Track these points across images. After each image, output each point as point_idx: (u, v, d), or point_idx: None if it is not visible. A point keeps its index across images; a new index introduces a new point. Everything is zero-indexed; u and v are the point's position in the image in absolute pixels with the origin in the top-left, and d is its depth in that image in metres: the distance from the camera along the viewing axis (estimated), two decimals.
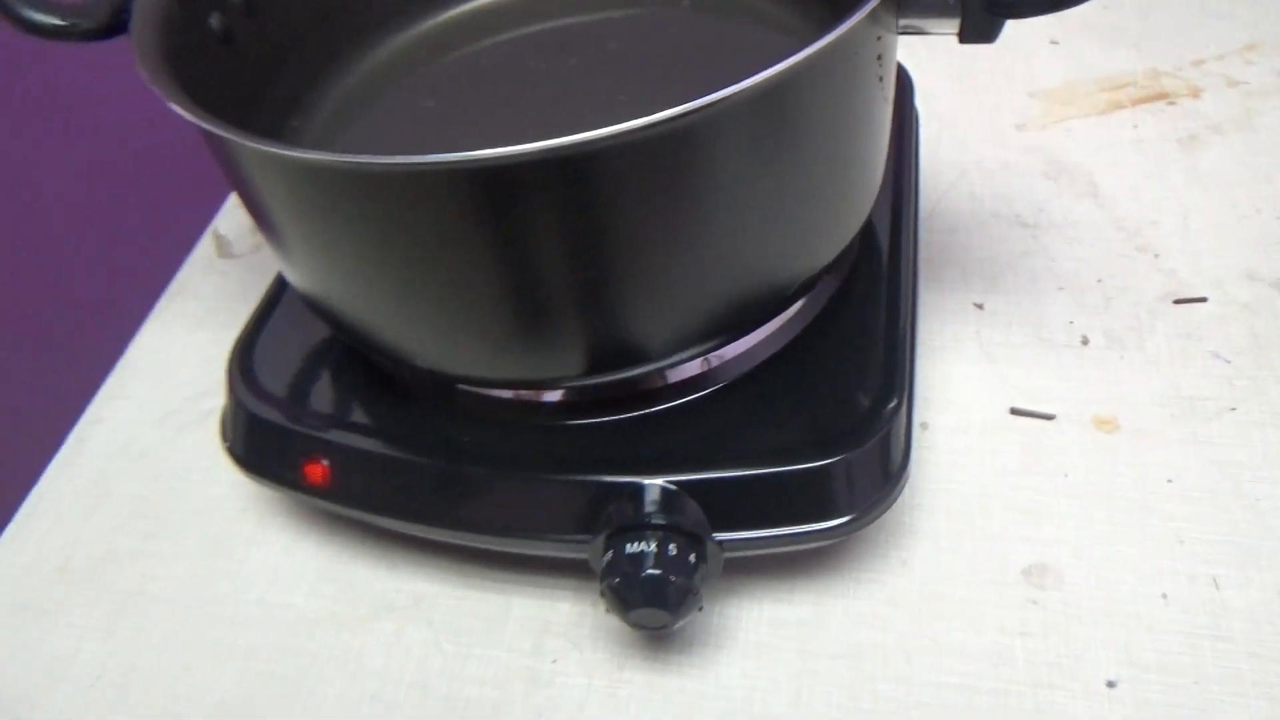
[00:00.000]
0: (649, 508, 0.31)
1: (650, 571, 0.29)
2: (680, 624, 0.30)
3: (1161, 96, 0.52)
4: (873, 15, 0.26)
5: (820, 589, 0.35)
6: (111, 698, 0.36)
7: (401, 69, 0.41)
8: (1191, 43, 0.55)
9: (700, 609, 0.31)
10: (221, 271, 0.53)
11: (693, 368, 0.35)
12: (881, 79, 0.30)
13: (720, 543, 0.31)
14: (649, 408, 0.34)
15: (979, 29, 0.29)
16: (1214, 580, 0.34)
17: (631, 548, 0.30)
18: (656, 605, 0.29)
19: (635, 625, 0.30)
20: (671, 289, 0.30)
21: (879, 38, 0.29)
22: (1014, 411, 0.39)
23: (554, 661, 0.35)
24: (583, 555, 0.33)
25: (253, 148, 0.27)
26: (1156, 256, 0.44)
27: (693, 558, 0.30)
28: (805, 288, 0.33)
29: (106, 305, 0.58)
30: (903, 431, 0.33)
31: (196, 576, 0.39)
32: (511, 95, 0.39)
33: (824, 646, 0.34)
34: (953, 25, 0.30)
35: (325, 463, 0.34)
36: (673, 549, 0.30)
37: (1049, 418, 0.39)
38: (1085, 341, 0.41)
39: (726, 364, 0.34)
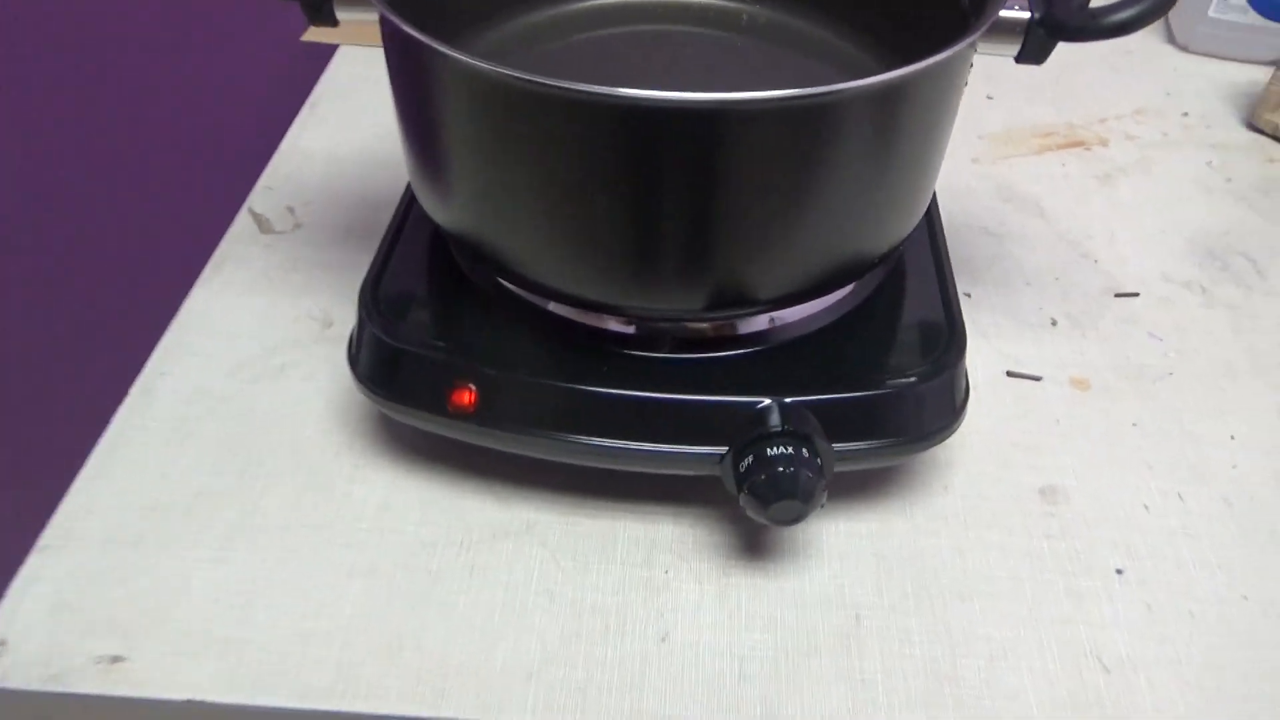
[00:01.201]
0: (782, 420, 0.37)
1: (789, 469, 0.35)
2: (809, 516, 0.36)
3: (1079, 144, 0.64)
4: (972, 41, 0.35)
5: (883, 509, 0.42)
6: (236, 616, 0.38)
7: (516, 50, 0.46)
8: (1095, 104, 0.68)
9: (824, 505, 0.37)
10: (266, 245, 0.54)
11: (795, 313, 0.41)
12: (965, 86, 0.38)
13: (835, 450, 0.37)
14: (755, 347, 0.40)
15: (1035, 52, 0.38)
16: (1179, 495, 0.43)
17: (772, 451, 0.36)
18: (795, 497, 0.35)
19: (773, 520, 0.36)
20: (784, 246, 0.36)
21: (971, 53, 0.37)
22: (1009, 374, 0.48)
23: (666, 572, 0.40)
24: (710, 472, 0.38)
25: (465, 61, 0.32)
26: (1096, 262, 0.55)
27: (819, 460, 0.36)
28: (886, 257, 0.40)
29: (142, 276, 0.58)
30: (964, 373, 0.40)
31: (302, 509, 0.41)
32: (618, 77, 0.45)
33: (893, 551, 0.41)
34: (1014, 49, 0.39)
35: (473, 388, 0.38)
36: (805, 452, 0.36)
37: (1036, 379, 0.48)
38: (1054, 323, 0.51)
39: (820, 313, 0.41)
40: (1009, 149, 0.63)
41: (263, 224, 0.56)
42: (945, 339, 0.40)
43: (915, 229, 0.42)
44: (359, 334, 0.41)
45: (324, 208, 0.57)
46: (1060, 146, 0.64)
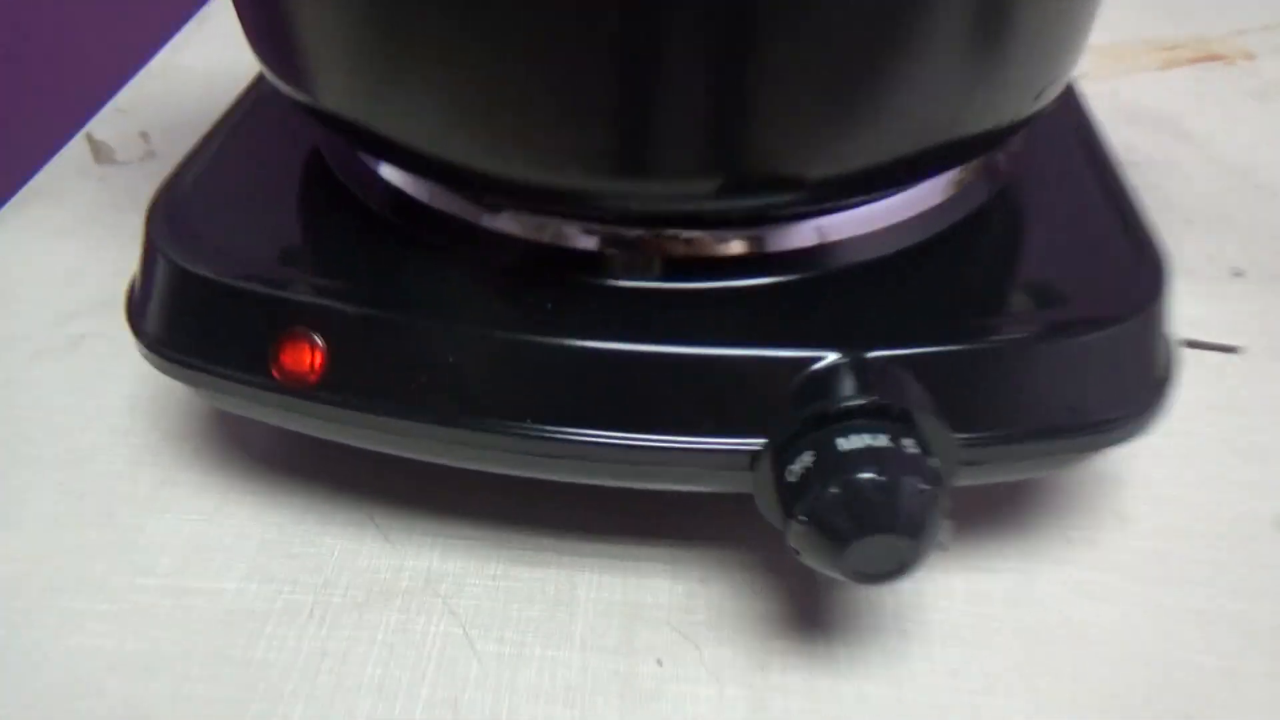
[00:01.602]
0: (860, 386, 0.20)
1: (881, 476, 0.19)
2: (918, 566, 0.19)
3: (1216, 58, 0.48)
4: None
5: (1021, 553, 0.25)
6: None
7: None
8: (1222, 16, 0.52)
9: (944, 546, 0.20)
10: (99, 178, 0.39)
11: (847, 226, 0.24)
12: None
13: (959, 440, 0.20)
14: (801, 273, 0.23)
15: None
16: None
17: (848, 442, 0.19)
18: (894, 529, 0.18)
19: (854, 573, 0.19)
20: (856, 84, 0.20)
21: None
22: (1189, 344, 0.32)
23: (660, 663, 0.23)
24: (733, 486, 0.21)
25: None
26: (1277, 195, 0.39)
27: (932, 458, 0.20)
28: (1011, 132, 0.24)
29: None
30: (1168, 317, 0.24)
31: (52, 558, 0.25)
32: None
33: (1047, 626, 0.24)
34: None
35: (320, 341, 0.22)
36: (908, 444, 0.19)
37: (1230, 349, 0.32)
38: (1238, 274, 0.35)
39: (905, 224, 0.25)
40: (1122, 64, 0.47)
41: (101, 152, 0.40)
42: (1132, 264, 0.24)
43: (1054, 107, 0.26)
44: (146, 266, 0.25)
45: (189, 134, 0.41)
46: (1191, 61, 0.48)
